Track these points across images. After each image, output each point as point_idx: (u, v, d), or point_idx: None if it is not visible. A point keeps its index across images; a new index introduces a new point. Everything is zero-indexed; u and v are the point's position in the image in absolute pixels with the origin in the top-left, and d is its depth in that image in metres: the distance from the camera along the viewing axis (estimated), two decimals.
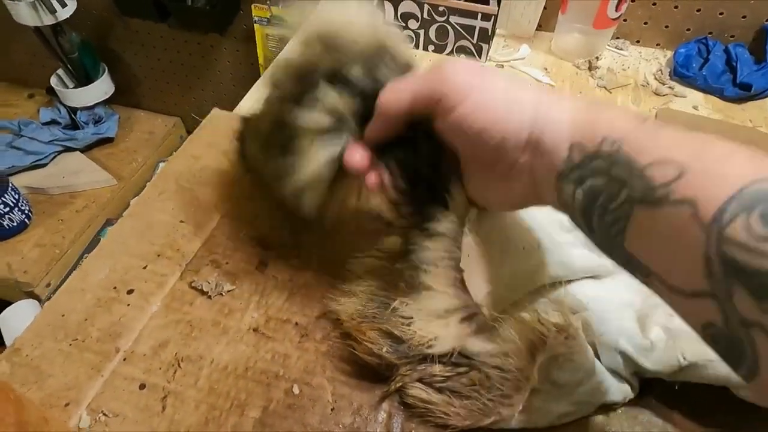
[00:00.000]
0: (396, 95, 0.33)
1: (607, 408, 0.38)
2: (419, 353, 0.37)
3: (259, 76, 0.72)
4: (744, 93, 0.67)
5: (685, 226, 0.23)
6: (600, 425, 0.38)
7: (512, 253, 0.41)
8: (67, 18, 1.10)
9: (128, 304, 0.44)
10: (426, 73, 0.32)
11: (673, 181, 0.24)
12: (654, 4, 0.73)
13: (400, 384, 0.38)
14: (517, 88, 0.31)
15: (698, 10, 0.72)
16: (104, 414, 0.38)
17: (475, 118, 0.30)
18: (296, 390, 0.39)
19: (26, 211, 1.09)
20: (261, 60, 1.05)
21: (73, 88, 1.26)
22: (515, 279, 0.41)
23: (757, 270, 0.21)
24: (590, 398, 0.37)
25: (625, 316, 0.39)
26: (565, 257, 0.40)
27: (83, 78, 1.26)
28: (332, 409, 0.38)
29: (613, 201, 0.27)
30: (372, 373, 0.39)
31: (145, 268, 0.47)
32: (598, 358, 0.37)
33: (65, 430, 0.34)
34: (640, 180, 0.25)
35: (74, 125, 1.30)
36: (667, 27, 0.75)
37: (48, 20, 1.09)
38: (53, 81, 1.28)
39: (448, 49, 0.74)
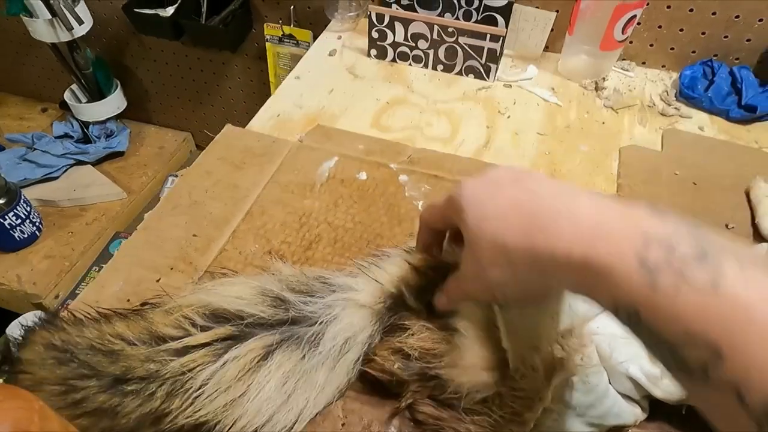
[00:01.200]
0: (429, 210, 0.38)
1: (618, 429, 0.38)
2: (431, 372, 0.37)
3: (270, 94, 0.74)
4: (749, 114, 0.68)
5: (729, 408, 0.21)
6: None
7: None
8: (82, 35, 1.13)
9: None
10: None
11: (710, 364, 0.21)
12: (659, 26, 0.74)
13: (411, 400, 0.38)
14: (517, 204, 0.29)
15: (703, 33, 0.73)
16: None
17: (480, 228, 0.31)
18: None
19: (37, 223, 1.10)
20: (272, 77, 1.07)
21: (86, 102, 1.28)
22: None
23: None
24: (602, 420, 0.37)
25: (634, 341, 0.39)
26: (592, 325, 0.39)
27: (96, 93, 1.28)
28: (342, 425, 0.38)
29: (651, 349, 0.25)
30: (382, 389, 0.39)
31: (158, 281, 0.48)
32: (610, 382, 0.37)
33: None
34: (672, 355, 0.23)
35: (86, 139, 1.32)
36: (672, 49, 0.76)
37: (64, 37, 1.11)
38: (67, 96, 1.30)
39: (457, 69, 0.76)
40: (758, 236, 0.52)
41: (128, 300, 0.46)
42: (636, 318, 0.24)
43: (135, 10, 1.03)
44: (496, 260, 0.30)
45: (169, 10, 1.02)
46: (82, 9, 1.09)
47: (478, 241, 0.30)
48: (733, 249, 0.23)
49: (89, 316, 0.40)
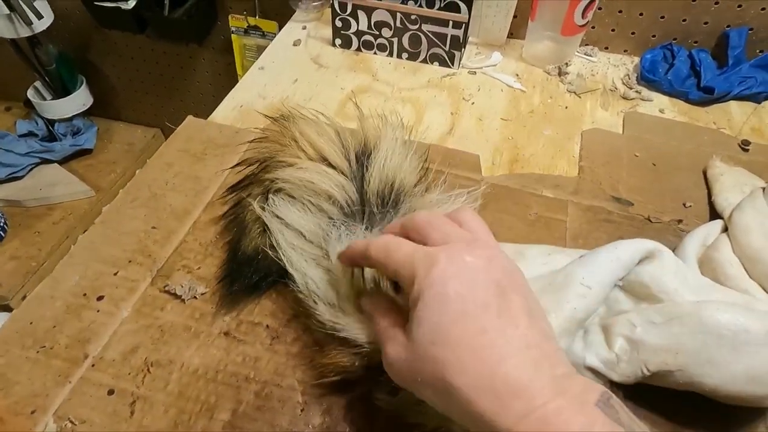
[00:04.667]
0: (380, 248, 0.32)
1: None
2: None
3: None
4: (707, 96, 0.69)
5: None
6: None
7: None
8: (43, 30, 1.10)
9: (98, 311, 0.44)
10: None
11: None
12: (620, 11, 0.75)
13: (368, 388, 0.38)
14: (445, 401, 0.28)
15: (662, 17, 0.74)
16: (71, 421, 0.37)
17: None
18: (266, 392, 0.39)
19: (1, 224, 1.07)
20: (239, 70, 1.05)
21: (51, 100, 1.25)
22: None
23: None
24: None
25: (591, 328, 0.39)
26: None
27: (61, 90, 1.25)
28: (302, 410, 0.38)
29: None
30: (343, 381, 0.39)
31: (116, 274, 0.47)
32: None
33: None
34: None
35: (52, 137, 1.29)
36: (633, 34, 0.77)
37: (24, 32, 1.08)
38: (30, 93, 1.27)
39: (422, 57, 0.76)
40: (714, 213, 0.53)
41: (84, 294, 0.45)
42: None
43: (95, 3, 1.01)
44: (430, 380, 0.28)
45: (131, 3, 1.00)
46: (41, 3, 1.07)
47: (420, 357, 0.28)
48: None
49: None
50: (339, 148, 0.48)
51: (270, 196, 0.47)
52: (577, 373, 0.27)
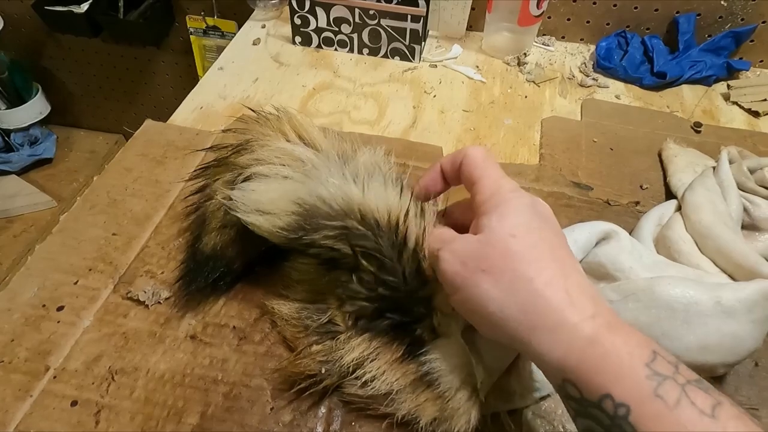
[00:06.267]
0: (451, 162, 0.36)
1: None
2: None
3: None
4: (660, 81, 0.71)
5: None
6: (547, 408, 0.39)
7: None
8: None
9: (58, 321, 0.43)
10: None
11: None
12: (574, 1, 0.77)
13: (337, 380, 0.38)
14: (508, 293, 0.28)
15: (615, 5, 0.76)
16: None
17: (466, 310, 0.31)
18: (235, 393, 0.39)
19: None
20: (200, 71, 1.04)
21: (5, 109, 1.21)
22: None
23: None
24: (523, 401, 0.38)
25: None
26: None
27: (15, 98, 1.21)
28: (272, 409, 0.38)
29: None
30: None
31: (76, 283, 0.46)
32: None
33: None
34: None
35: (8, 148, 1.25)
36: (588, 22, 0.79)
37: None
38: None
39: (382, 52, 0.76)
40: (670, 194, 0.55)
41: (44, 306, 0.44)
42: (624, 413, 0.24)
43: (46, 7, 0.98)
44: (498, 270, 0.29)
45: (84, 6, 0.97)
46: None
47: (494, 245, 0.29)
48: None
49: None
50: (327, 141, 0.46)
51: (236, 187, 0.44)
52: None
